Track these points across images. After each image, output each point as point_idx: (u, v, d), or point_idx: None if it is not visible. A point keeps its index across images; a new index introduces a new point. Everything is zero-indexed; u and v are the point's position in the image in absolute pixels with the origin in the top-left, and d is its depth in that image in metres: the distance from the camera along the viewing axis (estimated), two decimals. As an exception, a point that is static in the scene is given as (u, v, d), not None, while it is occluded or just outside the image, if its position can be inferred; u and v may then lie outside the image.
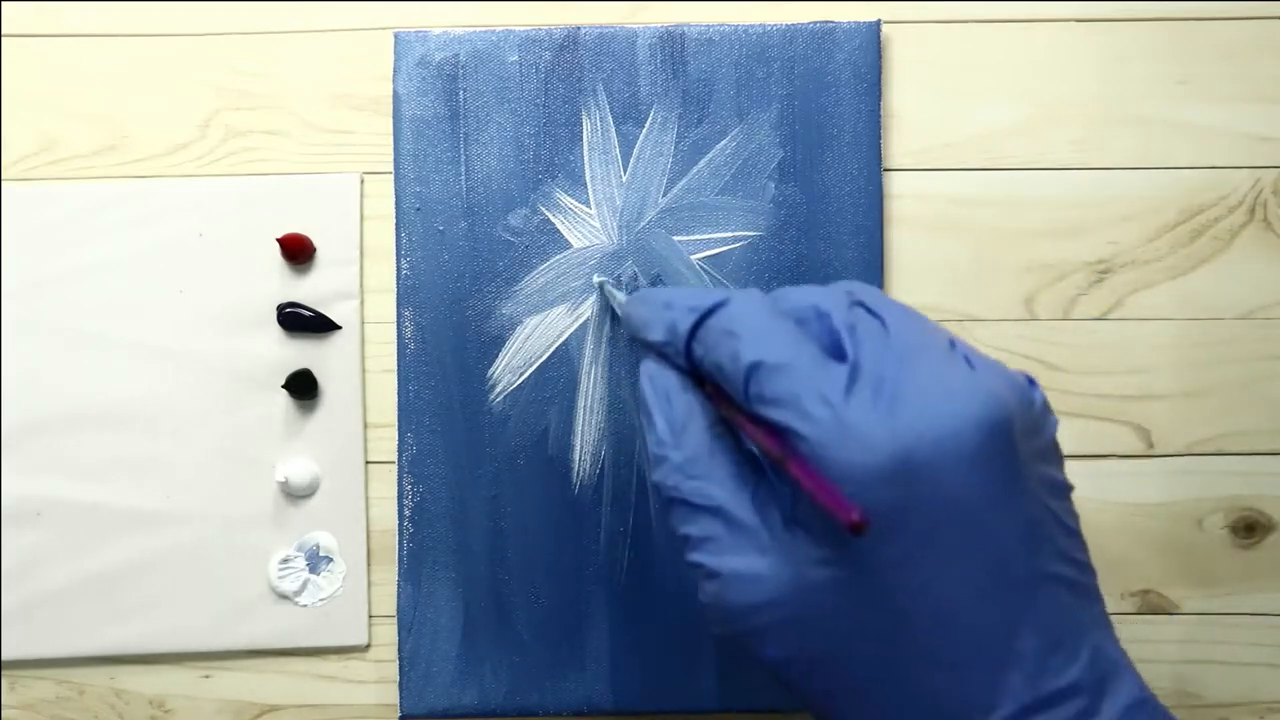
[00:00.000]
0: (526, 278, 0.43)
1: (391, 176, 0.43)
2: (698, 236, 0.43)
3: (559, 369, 0.43)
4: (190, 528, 0.43)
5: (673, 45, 0.43)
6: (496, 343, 0.43)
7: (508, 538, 0.43)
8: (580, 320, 0.43)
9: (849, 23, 0.43)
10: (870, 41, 0.43)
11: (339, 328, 0.43)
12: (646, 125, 0.43)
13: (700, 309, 0.28)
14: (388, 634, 0.43)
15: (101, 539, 0.43)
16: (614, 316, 0.42)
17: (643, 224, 0.43)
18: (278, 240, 0.43)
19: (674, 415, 0.28)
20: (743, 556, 0.27)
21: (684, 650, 0.42)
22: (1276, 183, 0.43)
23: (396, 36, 0.43)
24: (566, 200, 0.43)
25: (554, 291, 0.43)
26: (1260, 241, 0.43)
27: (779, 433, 0.26)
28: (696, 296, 0.29)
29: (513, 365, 0.43)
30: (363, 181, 0.44)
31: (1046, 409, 0.28)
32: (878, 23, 0.43)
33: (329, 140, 0.44)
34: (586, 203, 0.43)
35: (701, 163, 0.43)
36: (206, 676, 0.43)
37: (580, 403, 0.43)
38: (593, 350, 0.43)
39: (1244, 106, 0.43)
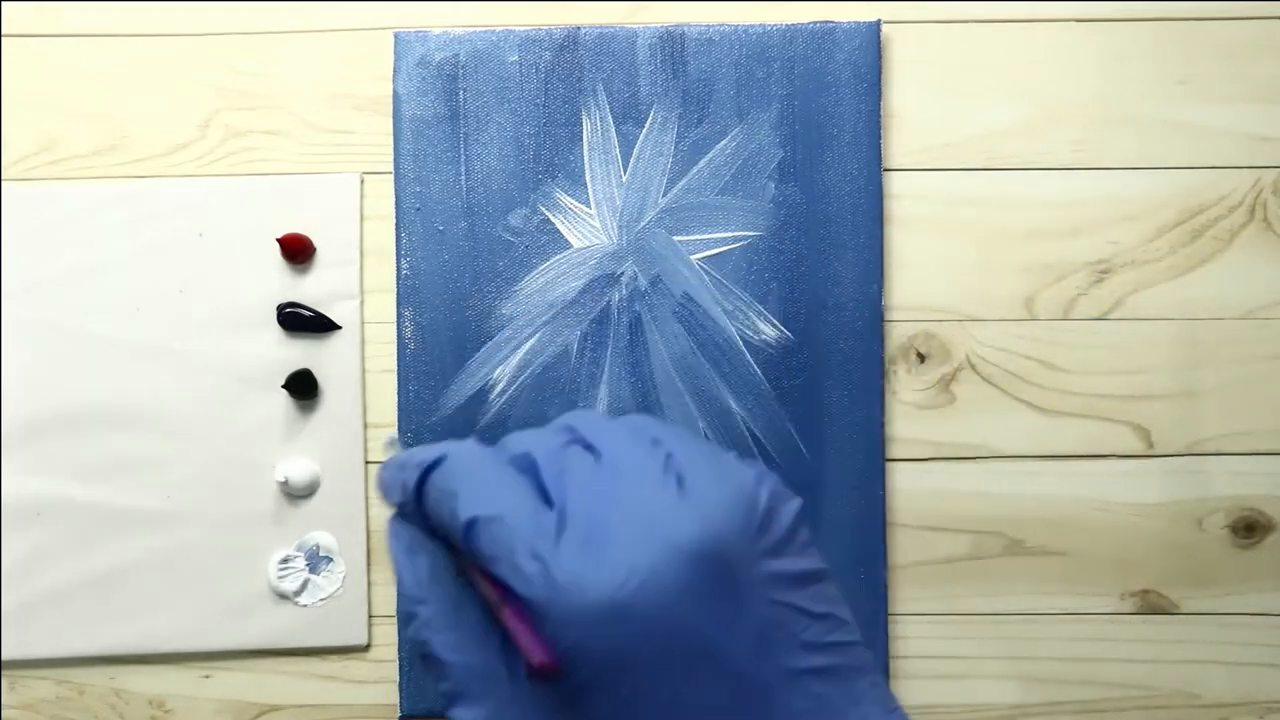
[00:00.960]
0: (526, 278, 0.43)
1: (391, 176, 0.43)
2: (698, 236, 0.43)
3: (559, 369, 0.43)
4: (190, 528, 0.43)
5: (673, 45, 0.43)
6: (497, 343, 0.43)
7: (508, 538, 0.43)
8: (580, 320, 0.43)
9: (849, 23, 0.43)
10: (870, 41, 0.43)
11: (339, 328, 0.43)
12: (646, 125, 0.43)
13: (424, 464, 0.29)
14: (388, 634, 0.43)
15: (101, 539, 0.43)
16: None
17: (643, 224, 0.43)
18: (278, 240, 0.43)
19: (419, 571, 0.29)
20: (491, 710, 0.27)
21: (684, 650, 0.42)
22: (1276, 183, 0.43)
23: (396, 36, 0.43)
24: (566, 200, 0.43)
25: (554, 291, 0.43)
26: (1260, 241, 0.43)
27: (500, 585, 0.27)
28: (424, 452, 0.29)
29: (513, 365, 0.43)
30: (363, 181, 0.44)
31: (780, 499, 0.28)
32: (878, 23, 0.43)
33: (329, 140, 0.44)
34: (586, 203, 0.43)
35: (701, 163, 0.43)
36: (206, 676, 0.43)
37: (580, 403, 0.43)
38: (592, 350, 0.43)
39: (1244, 106, 0.43)
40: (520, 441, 0.28)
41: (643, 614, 0.25)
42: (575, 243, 0.43)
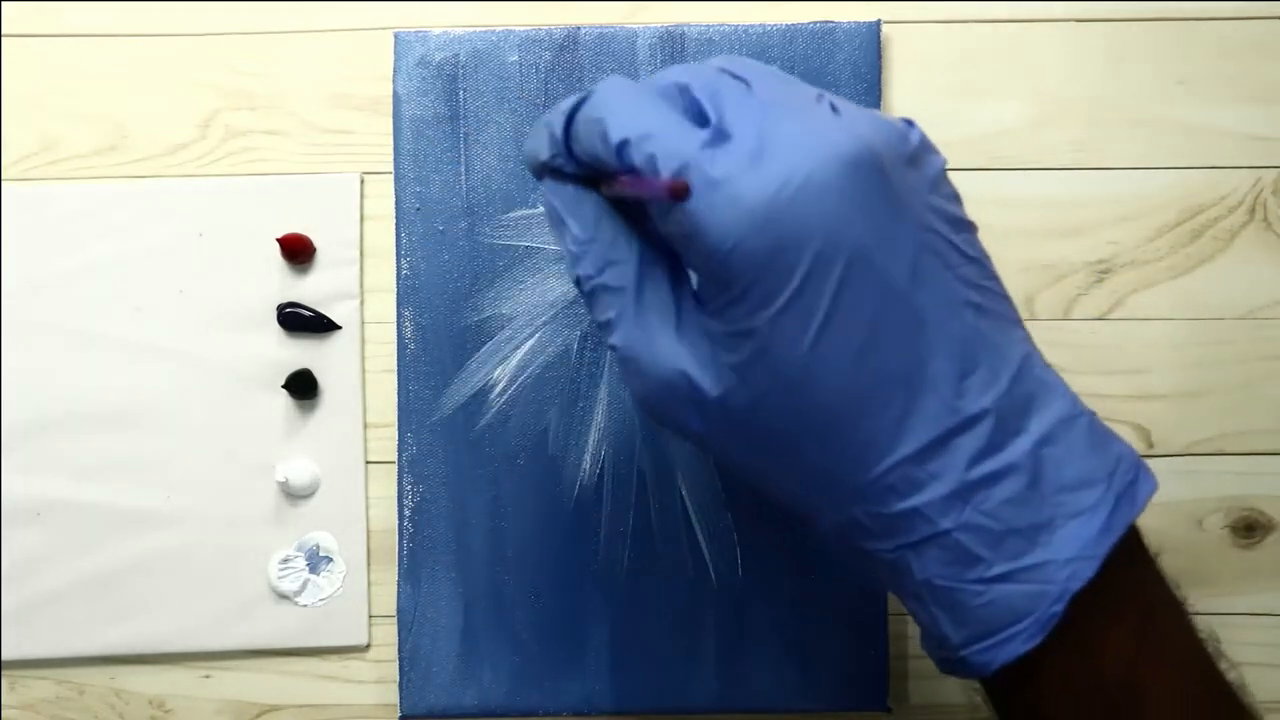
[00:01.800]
0: (526, 278, 0.43)
1: (391, 176, 0.43)
2: (698, 236, 0.43)
3: (559, 369, 0.43)
4: (190, 528, 0.43)
5: (673, 45, 0.43)
6: (497, 342, 0.43)
7: (508, 538, 0.43)
8: (580, 320, 0.43)
9: (849, 23, 0.43)
10: (870, 41, 0.43)
11: (339, 328, 0.43)
12: (646, 125, 0.43)
13: (568, 108, 0.29)
14: (388, 634, 0.43)
15: (101, 539, 0.43)
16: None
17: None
18: (278, 240, 0.43)
19: (584, 214, 0.29)
20: (658, 334, 0.28)
21: (684, 650, 0.42)
22: (1276, 183, 0.43)
23: (396, 36, 0.43)
24: (566, 200, 0.43)
25: (554, 291, 0.43)
26: (1260, 241, 0.43)
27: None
28: (567, 101, 0.29)
29: (513, 365, 0.43)
30: (363, 181, 0.44)
31: (927, 146, 0.28)
32: (878, 23, 0.43)
33: (329, 140, 0.44)
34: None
35: (701, 163, 0.43)
36: (206, 676, 0.43)
37: (580, 403, 0.43)
38: (592, 350, 0.43)
39: (1244, 106, 0.43)
40: (667, 73, 0.29)
41: (803, 216, 0.25)
42: (575, 243, 0.43)
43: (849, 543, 0.28)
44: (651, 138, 0.26)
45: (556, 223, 0.30)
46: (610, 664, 0.42)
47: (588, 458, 0.43)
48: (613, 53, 0.43)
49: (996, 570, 0.26)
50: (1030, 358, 0.28)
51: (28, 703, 0.43)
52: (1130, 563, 0.27)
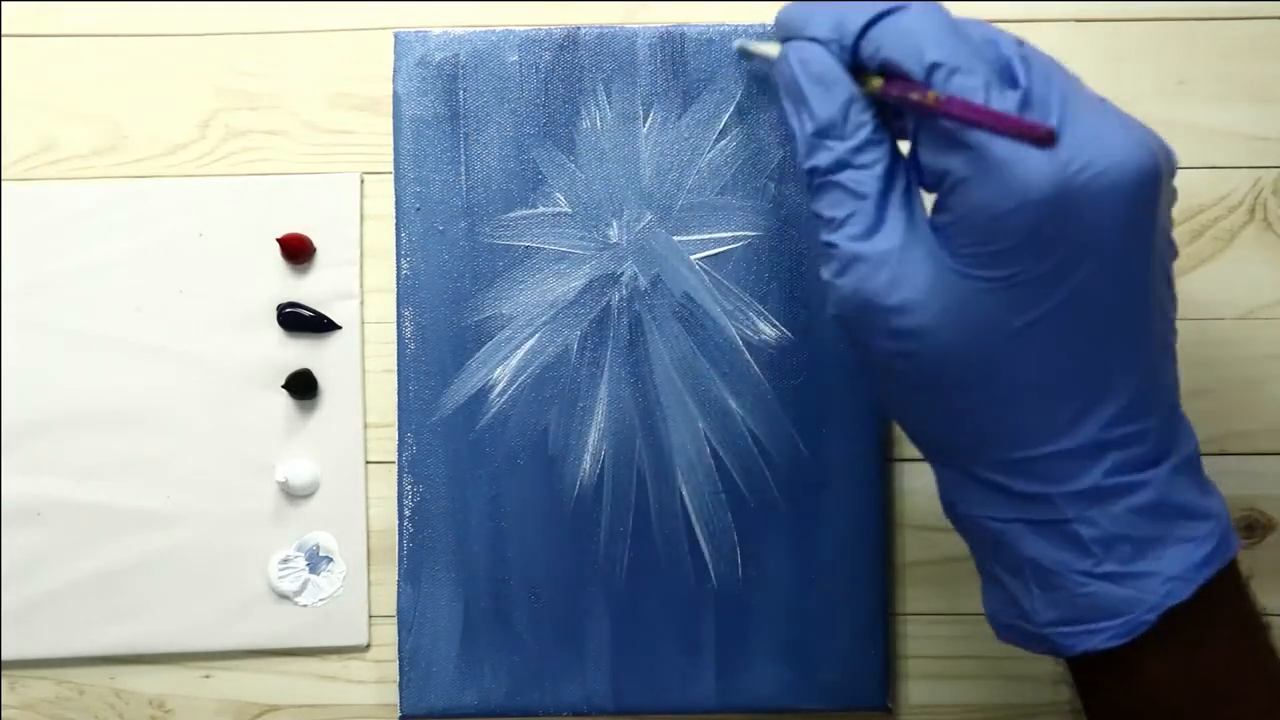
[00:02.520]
0: (526, 278, 0.43)
1: (391, 176, 0.43)
2: (698, 236, 0.43)
3: (559, 369, 0.43)
4: (190, 528, 0.43)
5: (673, 45, 0.43)
6: (497, 343, 0.43)
7: (508, 538, 0.43)
8: (580, 320, 0.43)
9: (849, 23, 0.43)
10: (870, 41, 0.43)
11: (339, 328, 0.43)
12: (646, 125, 0.43)
13: (874, 11, 0.28)
14: (388, 634, 0.43)
15: (101, 539, 0.43)
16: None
17: (643, 224, 0.43)
18: (278, 240, 0.43)
19: (835, 101, 0.28)
20: (885, 245, 0.28)
21: (684, 650, 0.42)
22: (1276, 183, 0.43)
23: (396, 36, 0.43)
24: (566, 200, 0.43)
25: (554, 291, 0.43)
26: (1260, 241, 0.43)
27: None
28: (866, 3, 0.29)
29: (513, 365, 0.43)
30: (363, 181, 0.44)
31: (1175, 171, 0.30)
32: (878, 23, 0.43)
33: (329, 140, 0.44)
34: (587, 202, 0.43)
35: (701, 163, 0.43)
36: (206, 676, 0.43)
37: (580, 403, 0.43)
38: (592, 350, 0.43)
39: (1244, 106, 0.43)
40: (977, 25, 0.29)
41: (1086, 209, 0.26)
42: (575, 242, 0.43)
43: (962, 500, 0.30)
44: (967, 73, 0.26)
45: (793, 95, 0.29)
46: (610, 664, 0.42)
47: (588, 458, 0.43)
48: (613, 53, 0.43)
49: (1104, 569, 0.28)
50: (1177, 394, 0.31)
51: (28, 703, 0.43)
52: (1227, 589, 0.30)
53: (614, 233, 0.43)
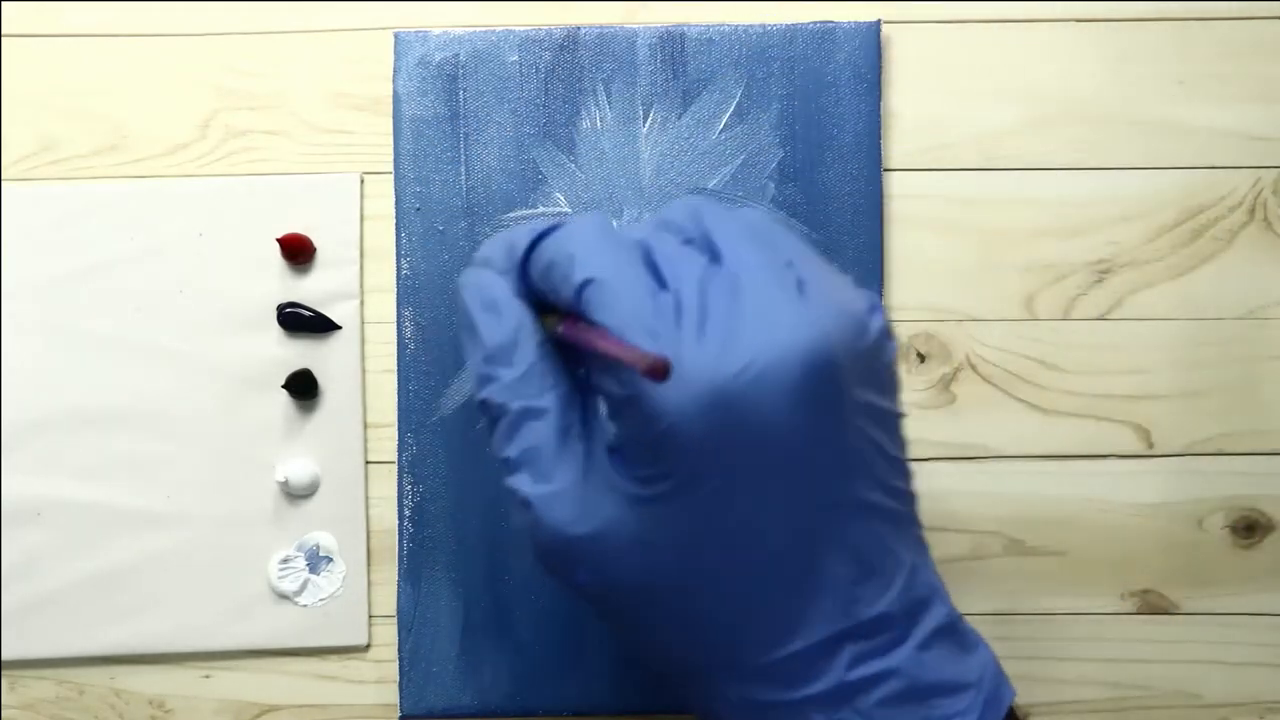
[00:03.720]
0: (526, 278, 0.43)
1: (391, 176, 0.43)
2: (698, 236, 0.43)
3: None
4: (190, 528, 0.43)
5: (673, 45, 0.43)
6: (496, 343, 0.43)
7: (508, 538, 0.43)
8: (580, 320, 0.43)
9: (849, 23, 0.43)
10: (870, 41, 0.43)
11: (339, 328, 0.43)
12: (646, 125, 0.43)
13: (538, 230, 0.28)
14: (388, 634, 0.43)
15: (101, 539, 0.43)
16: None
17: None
18: (278, 240, 0.43)
19: (503, 329, 0.28)
20: (564, 482, 0.27)
21: (684, 650, 0.42)
22: (1276, 183, 0.43)
23: (396, 36, 0.43)
24: (566, 200, 0.43)
25: (554, 291, 0.43)
26: (1260, 241, 0.43)
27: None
28: (537, 223, 0.29)
29: (513, 365, 0.43)
30: (363, 181, 0.44)
31: (886, 336, 0.28)
32: (878, 23, 0.43)
33: (329, 140, 0.44)
34: (587, 202, 0.43)
35: (701, 163, 0.43)
36: (206, 676, 0.43)
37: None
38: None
39: (1244, 106, 0.43)
40: (638, 230, 0.28)
41: (749, 409, 0.25)
42: (575, 243, 0.43)
43: (714, 716, 0.29)
44: (618, 292, 0.26)
45: (466, 324, 0.29)
46: (610, 664, 0.42)
47: (588, 458, 0.43)
48: (612, 53, 0.43)
49: None
50: (922, 564, 0.29)
51: (28, 703, 0.43)
52: None
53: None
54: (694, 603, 0.27)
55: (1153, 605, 0.43)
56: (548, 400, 0.27)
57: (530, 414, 0.27)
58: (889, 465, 0.28)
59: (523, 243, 0.28)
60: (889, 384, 0.28)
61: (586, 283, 0.26)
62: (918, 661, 0.27)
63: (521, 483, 0.27)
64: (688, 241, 0.28)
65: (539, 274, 0.28)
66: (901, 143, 0.43)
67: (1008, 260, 0.43)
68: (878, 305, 0.28)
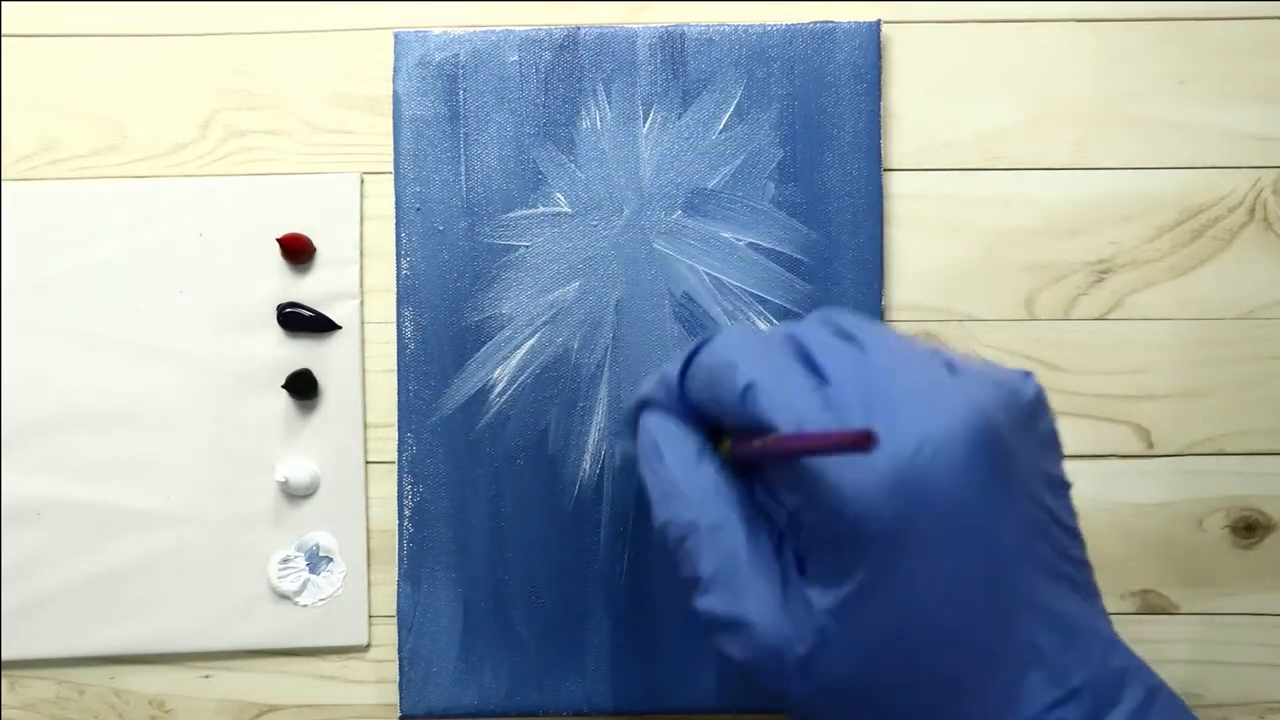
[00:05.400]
0: (527, 278, 0.43)
1: (391, 176, 0.43)
2: (697, 236, 0.43)
3: (559, 369, 0.43)
4: (190, 528, 0.43)
5: (673, 45, 0.43)
6: (496, 342, 0.43)
7: (508, 538, 0.43)
8: (581, 319, 0.43)
9: (849, 23, 0.43)
10: (870, 41, 0.43)
11: (339, 328, 0.43)
12: (646, 125, 0.43)
13: (688, 351, 0.29)
14: (388, 634, 0.43)
15: (101, 539, 0.43)
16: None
17: (642, 224, 0.43)
18: (278, 240, 0.43)
19: (685, 455, 0.28)
20: (768, 602, 0.27)
21: (684, 650, 0.42)
22: (1276, 183, 0.43)
23: (396, 36, 0.43)
24: (566, 200, 0.43)
25: (554, 291, 0.43)
26: (1260, 241, 0.43)
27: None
28: (682, 349, 0.29)
29: (513, 365, 0.43)
30: (363, 181, 0.44)
31: (1041, 404, 0.28)
32: (878, 23, 0.43)
33: (329, 140, 0.44)
34: (587, 203, 0.43)
35: (701, 163, 0.43)
36: (206, 676, 0.43)
37: (580, 403, 0.43)
38: (593, 350, 0.43)
39: (1244, 106, 0.43)
40: (782, 327, 0.28)
41: (933, 485, 0.25)
42: (575, 242, 0.43)
43: None
44: (780, 392, 0.26)
45: (647, 457, 0.29)
46: (610, 664, 0.42)
47: (588, 458, 0.43)
48: (613, 53, 0.43)
49: None
50: (1112, 632, 0.29)
51: (28, 703, 0.43)
52: None
53: (614, 233, 0.43)
54: (910, 695, 0.27)
55: (1152, 605, 0.43)
56: (736, 517, 0.28)
57: (721, 530, 0.27)
58: (1066, 534, 0.28)
59: (674, 369, 0.29)
60: (1053, 452, 0.29)
61: (749, 387, 0.26)
62: None
63: (719, 604, 0.27)
64: (835, 334, 0.28)
65: (700, 388, 0.28)
66: (901, 143, 0.43)
67: (1008, 260, 0.43)
68: (1030, 375, 0.28)
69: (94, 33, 0.44)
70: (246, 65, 0.44)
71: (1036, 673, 0.26)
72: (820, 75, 0.43)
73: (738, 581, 0.27)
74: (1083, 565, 0.29)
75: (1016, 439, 0.27)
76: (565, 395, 0.43)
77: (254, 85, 0.44)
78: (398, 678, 0.43)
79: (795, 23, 0.43)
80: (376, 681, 0.44)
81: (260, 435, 0.43)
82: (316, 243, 0.43)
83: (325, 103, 0.44)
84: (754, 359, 0.27)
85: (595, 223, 0.43)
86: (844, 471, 0.25)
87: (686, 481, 0.28)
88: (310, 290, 0.43)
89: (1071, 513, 0.29)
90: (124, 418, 0.43)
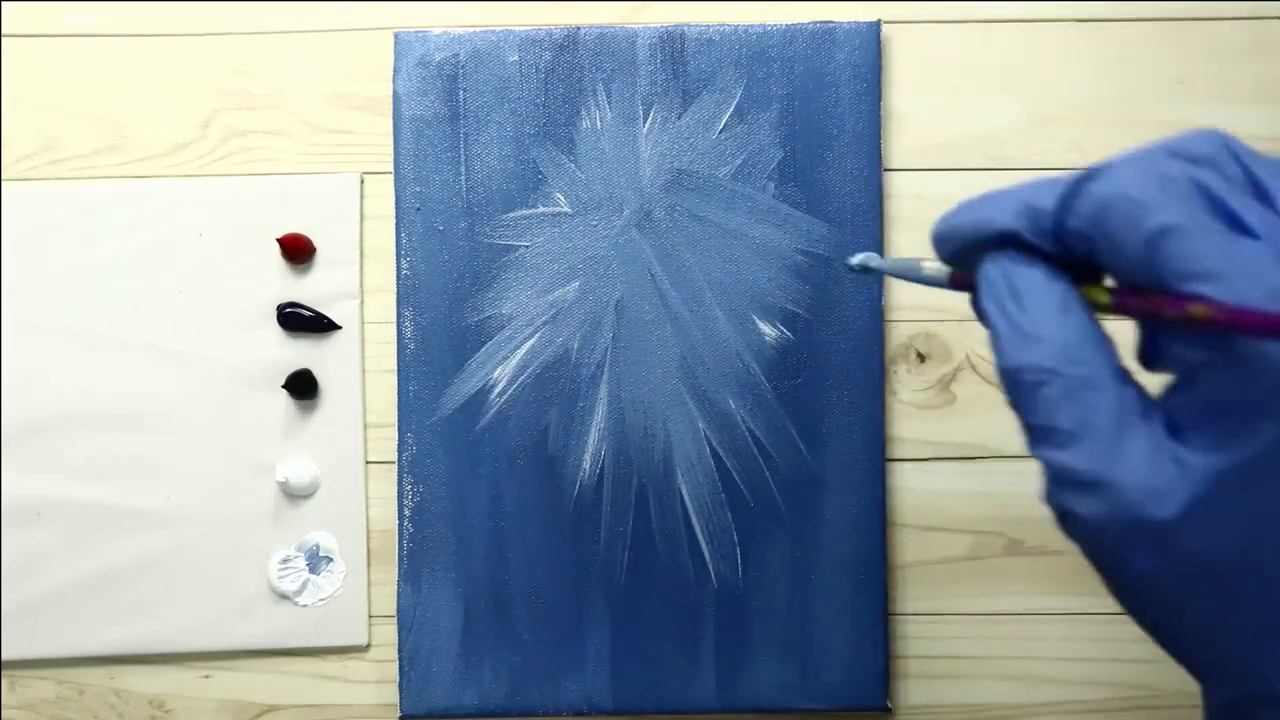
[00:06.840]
0: (526, 278, 0.43)
1: (391, 176, 0.43)
2: (697, 236, 0.43)
3: (559, 369, 0.43)
4: (190, 528, 0.43)
5: (673, 45, 0.43)
6: (496, 342, 0.43)
7: (508, 538, 0.43)
8: (581, 320, 0.43)
9: (849, 23, 0.43)
10: (870, 41, 0.43)
11: (339, 328, 0.43)
12: (646, 125, 0.43)
13: (1068, 179, 0.25)
14: (388, 634, 0.43)
15: (101, 539, 0.43)
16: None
17: (642, 224, 0.43)
18: (278, 240, 0.43)
19: (1049, 298, 0.25)
20: (1137, 460, 0.24)
21: (684, 650, 0.42)
22: (1276, 183, 0.43)
23: (396, 36, 0.43)
24: (566, 200, 0.43)
25: (554, 291, 0.43)
26: (1260, 241, 0.43)
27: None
28: (1057, 178, 0.25)
29: (513, 365, 0.43)
30: (363, 181, 0.44)
31: None
32: (878, 23, 0.43)
33: (329, 140, 0.44)
34: (587, 203, 0.43)
35: (701, 163, 0.43)
36: (206, 676, 0.43)
37: (580, 403, 0.43)
38: (593, 350, 0.43)
39: (1244, 106, 0.43)
40: (1172, 165, 0.25)
41: None
42: (575, 242, 0.43)
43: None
44: (1201, 237, 0.23)
45: (1004, 295, 0.26)
46: (610, 664, 0.42)
47: (588, 458, 0.43)
48: (613, 53, 0.43)
49: None
50: None
51: (28, 703, 0.43)
52: None
53: (614, 233, 0.43)
54: (1269, 584, 0.23)
55: (1153, 605, 0.43)
56: (1107, 372, 0.25)
57: (1089, 383, 0.25)
58: None
59: (1049, 197, 0.25)
60: None
61: (1163, 231, 0.23)
62: None
63: (1077, 459, 0.24)
64: (1238, 166, 0.24)
65: (1087, 222, 0.25)
66: (901, 143, 0.43)
67: (1008, 260, 0.43)
68: None
69: (94, 33, 0.44)
70: (246, 65, 0.44)
71: None
72: (820, 75, 0.43)
73: (1102, 441, 0.24)
74: None
75: None
76: (565, 395, 0.43)
77: (254, 85, 0.44)
78: (398, 678, 0.43)
79: (795, 23, 0.43)
80: (376, 681, 0.44)
81: (260, 435, 0.43)
82: (316, 243, 0.43)
83: (325, 103, 0.44)
84: (1169, 199, 0.23)
85: (595, 223, 0.43)
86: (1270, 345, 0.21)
87: (1050, 327, 0.25)
88: (310, 290, 0.43)
89: None
90: (124, 418, 0.43)
